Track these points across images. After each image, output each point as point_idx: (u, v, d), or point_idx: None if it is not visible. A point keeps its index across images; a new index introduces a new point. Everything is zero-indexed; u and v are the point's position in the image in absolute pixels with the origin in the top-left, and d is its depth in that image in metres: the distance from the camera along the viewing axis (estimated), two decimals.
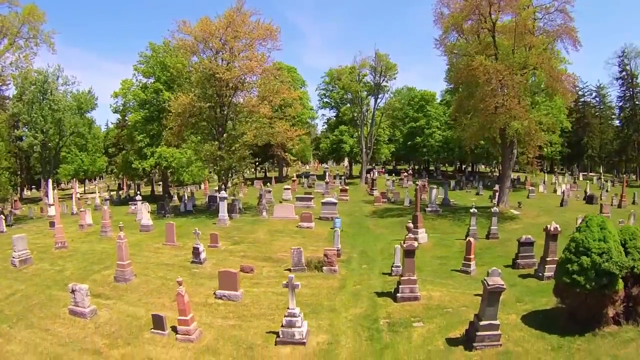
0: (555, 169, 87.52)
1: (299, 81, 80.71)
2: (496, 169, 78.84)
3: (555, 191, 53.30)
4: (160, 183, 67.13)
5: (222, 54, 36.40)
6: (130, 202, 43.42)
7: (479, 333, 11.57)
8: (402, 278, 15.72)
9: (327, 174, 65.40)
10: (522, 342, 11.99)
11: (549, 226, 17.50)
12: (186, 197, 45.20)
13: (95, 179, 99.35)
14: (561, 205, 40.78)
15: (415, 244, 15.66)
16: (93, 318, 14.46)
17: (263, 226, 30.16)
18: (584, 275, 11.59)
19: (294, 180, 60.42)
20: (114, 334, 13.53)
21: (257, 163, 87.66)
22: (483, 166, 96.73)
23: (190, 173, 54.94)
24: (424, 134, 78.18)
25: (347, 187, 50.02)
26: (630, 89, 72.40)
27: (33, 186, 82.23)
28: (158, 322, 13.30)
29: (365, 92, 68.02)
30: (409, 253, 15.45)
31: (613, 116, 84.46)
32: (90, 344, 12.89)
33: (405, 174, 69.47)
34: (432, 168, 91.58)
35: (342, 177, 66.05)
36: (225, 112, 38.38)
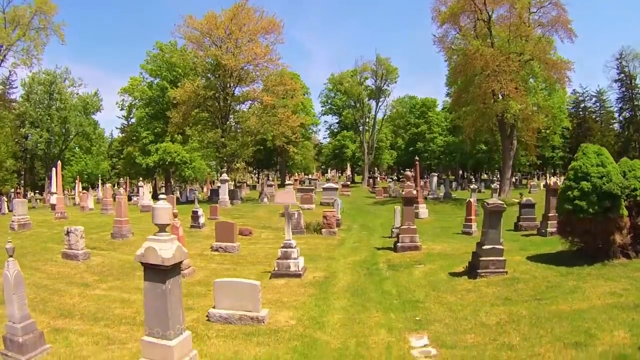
0: (558, 173, 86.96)
1: (302, 88, 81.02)
2: (498, 176, 78.47)
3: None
4: (163, 183, 67.02)
5: (227, 42, 36.74)
6: (131, 196, 43.26)
7: (482, 258, 11.18)
8: (401, 227, 15.43)
9: (329, 179, 65.11)
10: (529, 271, 11.51)
11: (548, 181, 17.20)
12: (188, 190, 45.12)
13: (97, 187, 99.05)
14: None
15: (415, 191, 15.43)
16: (85, 261, 14.21)
17: (264, 208, 30.02)
18: (586, 199, 11.25)
19: (296, 180, 60.17)
20: (104, 272, 13.32)
21: (258, 171, 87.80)
22: (486, 175, 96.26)
23: (192, 169, 55.14)
24: (425, 139, 78.04)
25: (349, 183, 49.68)
26: (629, 91, 72.19)
27: (37, 191, 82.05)
28: None
29: (367, 96, 68.22)
30: (407, 201, 15.20)
31: (613, 120, 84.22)
32: (80, 279, 12.64)
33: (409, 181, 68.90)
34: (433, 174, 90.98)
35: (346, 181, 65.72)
36: (228, 102, 38.55)
